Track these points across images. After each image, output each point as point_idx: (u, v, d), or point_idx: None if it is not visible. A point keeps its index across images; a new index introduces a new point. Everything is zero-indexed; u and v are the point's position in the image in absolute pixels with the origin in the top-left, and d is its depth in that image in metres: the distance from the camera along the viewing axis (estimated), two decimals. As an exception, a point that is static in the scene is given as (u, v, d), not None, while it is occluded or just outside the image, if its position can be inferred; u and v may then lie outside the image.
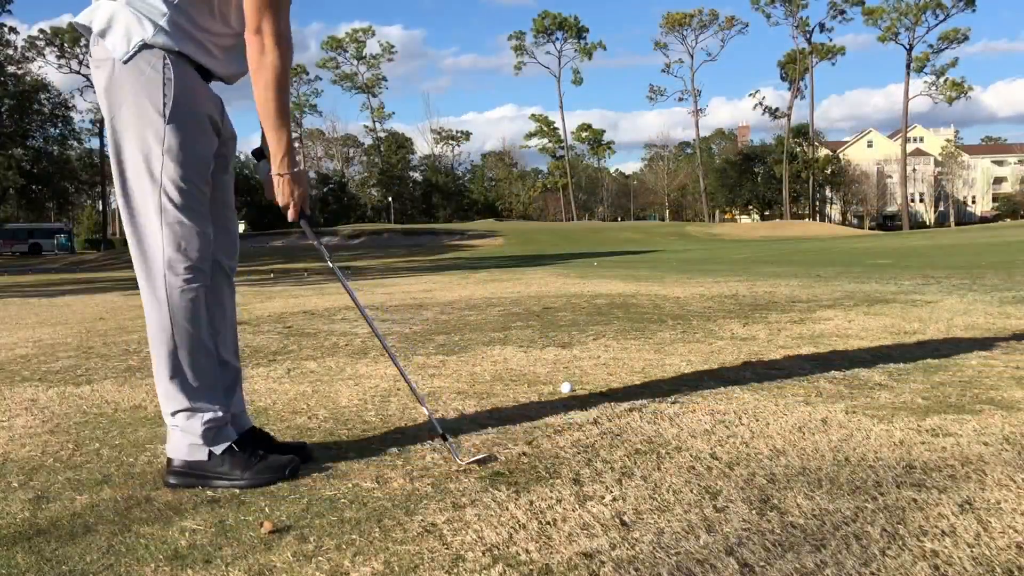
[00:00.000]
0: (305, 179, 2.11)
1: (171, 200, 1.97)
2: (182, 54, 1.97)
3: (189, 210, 1.98)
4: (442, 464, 2.14)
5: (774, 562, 1.47)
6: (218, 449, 2.04)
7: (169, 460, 2.07)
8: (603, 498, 1.83)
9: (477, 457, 2.16)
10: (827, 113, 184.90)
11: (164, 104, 1.93)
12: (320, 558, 1.56)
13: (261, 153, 2.11)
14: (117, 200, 2.01)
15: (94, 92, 2.03)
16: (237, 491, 1.98)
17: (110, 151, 2.00)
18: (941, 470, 1.95)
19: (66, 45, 64.57)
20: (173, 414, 2.04)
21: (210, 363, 2.06)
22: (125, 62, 1.92)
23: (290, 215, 2.10)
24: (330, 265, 2.22)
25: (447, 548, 1.59)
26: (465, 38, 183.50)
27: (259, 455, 2.06)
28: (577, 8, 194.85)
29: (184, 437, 2.04)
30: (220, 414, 2.06)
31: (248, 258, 33.07)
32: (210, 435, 2.04)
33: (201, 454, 2.03)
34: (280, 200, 2.08)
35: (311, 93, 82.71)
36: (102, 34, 1.94)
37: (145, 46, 1.92)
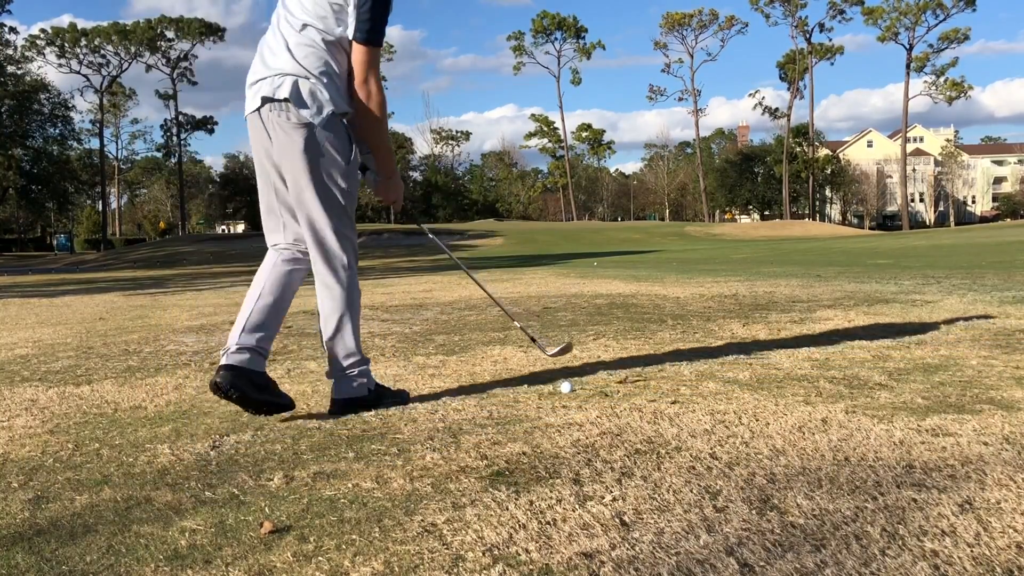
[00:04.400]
0: (401, 183, 2.91)
1: (347, 219, 2.73)
2: (345, 113, 2.67)
3: (352, 224, 2.76)
4: (442, 464, 2.15)
5: (774, 562, 1.47)
6: (372, 386, 2.83)
7: (334, 400, 2.79)
8: (603, 498, 1.83)
9: (559, 348, 3.08)
10: (825, 113, 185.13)
11: (347, 153, 2.67)
12: (320, 558, 1.56)
13: (365, 167, 2.82)
14: (313, 217, 2.67)
15: (274, 148, 2.69)
16: (236, 492, 1.99)
17: (307, 186, 2.64)
18: (941, 470, 1.95)
19: (66, 45, 64.62)
20: (350, 365, 2.76)
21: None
22: (324, 127, 2.60)
23: (396, 208, 2.92)
24: (439, 243, 3.24)
25: (447, 548, 1.59)
26: (464, 38, 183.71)
27: (392, 391, 2.93)
28: (576, 8, 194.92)
29: (354, 380, 2.77)
30: (369, 363, 2.86)
31: (248, 258, 33.01)
32: (367, 376, 2.82)
33: (363, 392, 2.79)
34: (389, 198, 2.86)
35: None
36: (298, 104, 2.58)
37: (333, 113, 2.61)
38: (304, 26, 2.62)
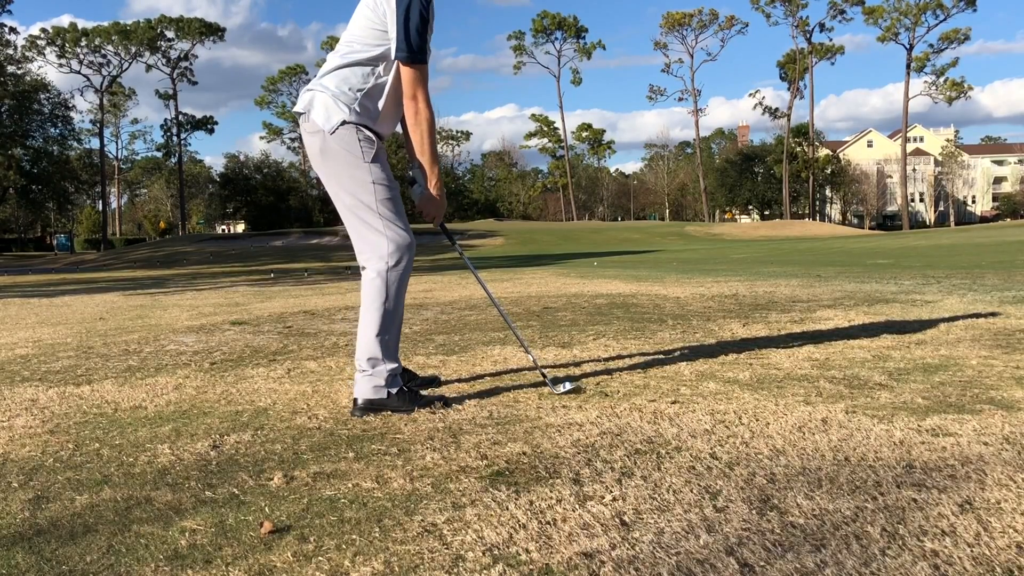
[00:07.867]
0: (445, 199, 2.91)
1: (384, 213, 2.75)
2: (364, 126, 2.76)
3: (396, 218, 2.78)
4: (442, 464, 2.15)
5: (774, 562, 1.47)
6: (394, 390, 2.79)
7: (355, 400, 2.81)
8: (603, 498, 1.83)
9: (568, 388, 2.95)
10: (824, 113, 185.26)
11: (363, 152, 2.74)
12: (320, 558, 1.56)
13: (413, 180, 2.86)
14: (345, 218, 2.79)
15: (304, 155, 2.70)
16: (237, 491, 1.99)
17: (333, 191, 2.80)
18: (941, 470, 1.95)
19: (66, 45, 64.58)
20: (369, 361, 2.77)
21: (399, 330, 2.86)
22: (332, 133, 2.73)
23: (435, 222, 2.93)
24: (460, 255, 3.14)
25: (447, 548, 1.59)
26: (464, 38, 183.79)
27: (419, 395, 2.85)
28: (576, 8, 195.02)
29: (371, 380, 2.78)
30: (397, 366, 2.83)
31: (248, 258, 33.04)
32: (390, 380, 2.79)
33: (382, 394, 2.78)
34: (429, 213, 2.88)
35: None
36: (314, 114, 2.76)
37: (343, 123, 2.73)
38: (346, 48, 2.78)
